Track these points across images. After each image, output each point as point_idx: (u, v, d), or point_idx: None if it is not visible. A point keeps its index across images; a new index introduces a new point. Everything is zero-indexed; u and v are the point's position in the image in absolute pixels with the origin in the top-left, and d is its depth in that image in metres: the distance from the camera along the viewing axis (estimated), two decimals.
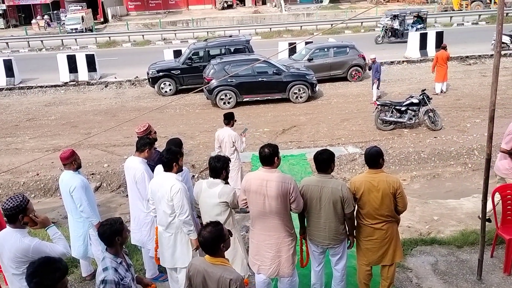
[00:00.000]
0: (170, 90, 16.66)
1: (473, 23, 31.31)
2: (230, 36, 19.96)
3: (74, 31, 34.54)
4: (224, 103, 14.55)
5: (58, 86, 18.93)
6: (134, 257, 5.95)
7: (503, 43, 20.58)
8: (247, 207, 4.66)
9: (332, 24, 29.95)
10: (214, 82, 14.25)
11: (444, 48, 14.88)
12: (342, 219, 4.59)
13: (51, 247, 3.77)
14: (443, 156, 9.91)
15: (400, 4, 41.58)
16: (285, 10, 41.28)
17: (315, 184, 4.54)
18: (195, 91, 11.94)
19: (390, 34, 25.29)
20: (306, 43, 18.79)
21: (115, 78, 19.50)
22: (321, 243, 4.67)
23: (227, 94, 14.51)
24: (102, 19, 42.56)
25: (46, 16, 42.29)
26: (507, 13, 29.02)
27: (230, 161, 4.95)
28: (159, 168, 5.00)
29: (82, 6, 41.78)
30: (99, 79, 19.39)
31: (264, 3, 48.01)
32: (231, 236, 3.50)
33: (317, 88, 15.16)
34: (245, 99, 14.71)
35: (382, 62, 17.24)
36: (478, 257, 5.31)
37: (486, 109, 5.37)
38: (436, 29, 23.70)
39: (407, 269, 5.62)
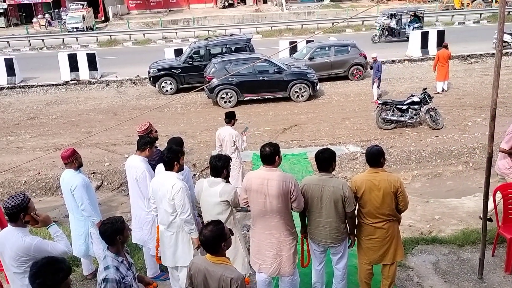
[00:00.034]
0: (171, 89, 16.67)
1: (475, 21, 31.25)
2: (231, 35, 19.96)
3: (75, 30, 34.55)
4: (225, 102, 14.54)
5: (59, 85, 18.94)
6: (135, 256, 5.96)
7: (505, 41, 20.53)
8: (248, 206, 4.67)
9: (333, 23, 29.91)
10: (215, 81, 14.25)
11: (446, 47, 14.87)
12: (343, 218, 4.59)
13: (52, 245, 3.77)
14: (444, 155, 9.90)
15: (401, 3, 41.51)
16: (286, 9, 41.26)
17: (316, 183, 4.54)
18: (196, 90, 11.93)
19: (387, 33, 25.25)
20: (307, 42, 18.77)
21: (116, 77, 19.51)
22: (322, 242, 4.67)
23: (228, 93, 14.50)
24: (103, 18, 42.59)
25: (47, 15, 42.32)
26: (508, 12, 28.93)
27: (231, 160, 4.95)
28: (160, 167, 5.01)
29: (83, 4, 41.80)
30: (100, 78, 19.40)
31: (265, 1, 47.98)
32: (232, 235, 3.50)
33: (318, 87, 15.15)
34: (246, 98, 14.70)
35: (383, 61, 17.26)
36: (479, 256, 5.31)
37: (487, 108, 5.36)
38: (437, 28, 23.67)
39: (408, 268, 5.62)
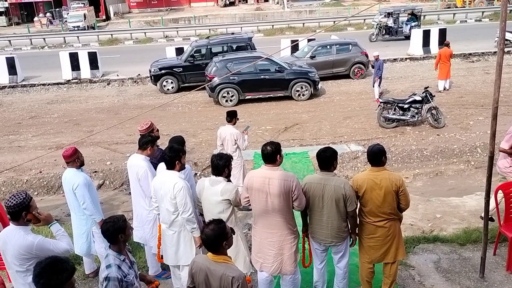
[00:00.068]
0: (172, 87, 16.67)
1: (476, 20, 31.19)
2: (232, 34, 19.95)
3: (76, 28, 34.59)
4: (226, 100, 14.54)
5: (61, 84, 18.96)
6: (137, 255, 5.97)
7: (506, 40, 20.49)
8: (249, 205, 4.67)
9: (334, 21, 29.87)
10: (216, 80, 14.25)
11: (447, 45, 14.84)
12: (345, 216, 4.59)
13: (54, 244, 3.78)
14: (446, 153, 9.90)
15: (403, 1, 41.42)
16: (288, 7, 41.21)
17: (318, 182, 4.54)
18: (197, 88, 11.95)
19: (384, 31, 25.19)
20: (309, 40, 18.76)
21: (117, 75, 19.52)
22: (324, 241, 4.67)
23: (229, 92, 14.50)
24: (104, 17, 42.62)
25: (48, 14, 42.36)
26: (510, 10, 28.71)
27: (233, 159, 4.96)
28: (162, 165, 5.01)
29: (84, 3, 41.80)
30: (101, 77, 19.42)
31: (266, 0, 47.92)
32: (234, 234, 3.51)
33: (319, 85, 15.14)
34: (247, 97, 14.70)
35: (385, 60, 17.23)
36: (480, 255, 5.31)
37: (489, 107, 5.35)
38: (439, 26, 23.63)
39: (409, 266, 5.62)
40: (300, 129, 12.06)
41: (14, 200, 3.69)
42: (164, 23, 36.20)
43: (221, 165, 4.62)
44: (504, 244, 5.77)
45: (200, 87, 12.44)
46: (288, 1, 42.13)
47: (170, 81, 16.63)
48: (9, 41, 30.97)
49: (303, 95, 14.79)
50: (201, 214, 4.89)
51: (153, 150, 5.48)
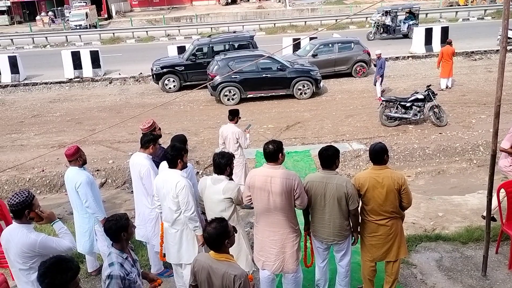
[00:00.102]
0: (174, 86, 16.67)
1: (479, 18, 31.11)
2: (234, 32, 19.92)
3: (78, 27, 34.66)
4: (228, 99, 14.54)
5: (63, 82, 18.99)
6: (139, 253, 5.98)
7: (509, 38, 20.38)
8: (252, 203, 4.67)
9: (336, 20, 29.82)
10: (218, 78, 14.24)
11: (450, 43, 14.80)
12: (347, 215, 4.59)
13: (57, 241, 3.79)
14: (448, 152, 9.88)
15: None
16: (289, 6, 41.17)
17: (320, 181, 4.54)
18: (199, 87, 11.94)
19: (382, 30, 25.13)
20: (311, 38, 18.75)
21: (119, 74, 19.55)
22: (326, 239, 4.68)
23: (231, 91, 14.50)
24: (106, 15, 42.65)
25: (50, 13, 42.44)
26: None
27: (234, 157, 4.96)
28: (164, 164, 5.02)
29: (86, 2, 41.89)
30: (103, 75, 19.45)
31: None
32: (236, 232, 3.51)
33: (321, 84, 15.12)
34: (249, 96, 14.70)
35: (387, 58, 17.19)
36: (483, 253, 5.31)
37: (492, 105, 5.34)
38: (441, 24, 23.58)
39: (411, 265, 5.62)
40: (302, 128, 12.06)
41: (17, 198, 3.70)
42: (166, 21, 36.22)
43: (223, 164, 4.62)
44: (506, 242, 5.77)
45: (202, 86, 12.43)
46: None
47: (172, 79, 16.63)
48: (11, 40, 31.04)
49: (305, 93, 14.78)
50: (203, 213, 4.90)
51: (155, 149, 5.49)
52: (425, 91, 11.67)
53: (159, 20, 37.61)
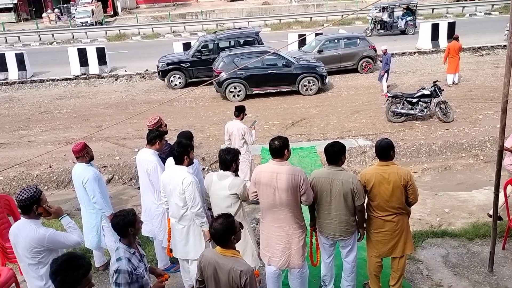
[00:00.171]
0: (179, 83, 16.70)
1: (486, 13, 30.83)
2: (240, 28, 19.91)
3: (84, 24, 34.73)
4: (234, 96, 14.55)
5: (69, 79, 19.09)
6: (146, 248, 6.02)
7: None
8: (257, 199, 4.69)
9: (342, 15, 29.70)
10: (223, 75, 14.25)
11: (456, 38, 14.71)
12: (353, 211, 4.60)
13: (65, 236, 3.83)
14: (455, 148, 9.84)
15: None
16: (295, 1, 40.99)
17: (326, 177, 4.55)
18: (205, 84, 11.96)
19: (379, 26, 24.93)
20: (316, 34, 18.66)
21: (125, 71, 19.60)
22: (332, 235, 4.68)
23: (237, 87, 14.50)
24: (112, 12, 42.72)
25: (56, 10, 42.59)
26: None
27: (240, 153, 4.97)
28: (170, 160, 5.04)
29: None
30: (109, 72, 19.51)
31: None
32: (242, 228, 3.53)
33: (327, 80, 15.09)
34: (254, 92, 14.69)
35: (393, 54, 17.11)
36: (489, 249, 5.30)
37: (499, 101, 5.32)
38: (448, 20, 23.41)
39: (417, 261, 5.62)
40: (307, 124, 12.04)
41: (25, 194, 3.74)
42: (171, 18, 36.23)
43: (228, 160, 4.64)
44: None
45: (207, 82, 12.45)
46: None
47: (177, 76, 16.66)
48: (18, 37, 31.21)
49: (311, 89, 14.74)
50: (209, 209, 4.92)
51: (162, 145, 5.52)
52: (431, 87, 11.61)
53: (165, 16, 37.62)
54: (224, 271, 3.32)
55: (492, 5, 31.60)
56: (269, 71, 14.61)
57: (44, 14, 41.99)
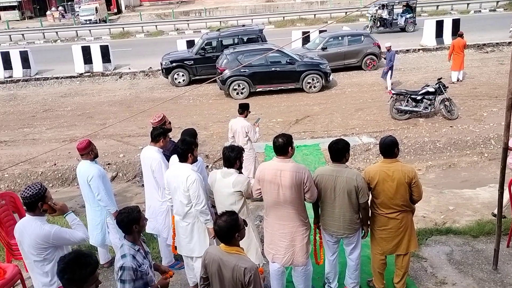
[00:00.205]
0: (183, 80, 16.71)
1: (491, 10, 30.64)
2: (243, 26, 19.88)
3: (88, 22, 34.79)
4: (237, 93, 14.55)
5: (74, 77, 19.15)
6: (150, 245, 6.04)
7: None
8: (261, 196, 4.69)
9: (346, 12, 29.59)
10: (227, 72, 14.24)
11: (461, 35, 14.64)
12: (357, 208, 4.59)
13: (70, 233, 3.85)
14: (459, 145, 9.81)
15: None
16: None
17: (330, 174, 4.54)
18: (208, 81, 11.96)
19: (379, 24, 24.78)
20: (320, 31, 18.61)
21: (129, 69, 19.64)
22: (336, 232, 4.68)
23: (240, 84, 14.50)
24: (115, 10, 42.75)
25: (60, 8, 42.68)
26: None
27: (244, 151, 4.97)
28: (174, 158, 5.05)
29: None
30: (113, 70, 19.55)
31: None
32: (246, 226, 3.53)
33: (331, 77, 15.05)
34: (258, 89, 14.68)
35: (397, 51, 17.04)
36: (494, 247, 5.28)
37: (504, 98, 5.29)
38: (452, 17, 23.27)
39: (422, 258, 5.61)
40: (311, 121, 12.03)
41: (30, 191, 3.76)
42: (175, 15, 36.24)
43: (232, 157, 4.64)
44: None
45: (211, 80, 12.46)
46: None
47: (181, 74, 16.66)
48: (22, 35, 31.29)
49: (315, 87, 14.72)
50: (213, 206, 4.93)
51: (166, 142, 5.53)
52: (436, 84, 11.56)
53: (168, 14, 37.63)
54: (228, 268, 3.33)
55: (497, 2, 31.40)
56: (273, 69, 14.60)
57: (48, 12, 42.10)
